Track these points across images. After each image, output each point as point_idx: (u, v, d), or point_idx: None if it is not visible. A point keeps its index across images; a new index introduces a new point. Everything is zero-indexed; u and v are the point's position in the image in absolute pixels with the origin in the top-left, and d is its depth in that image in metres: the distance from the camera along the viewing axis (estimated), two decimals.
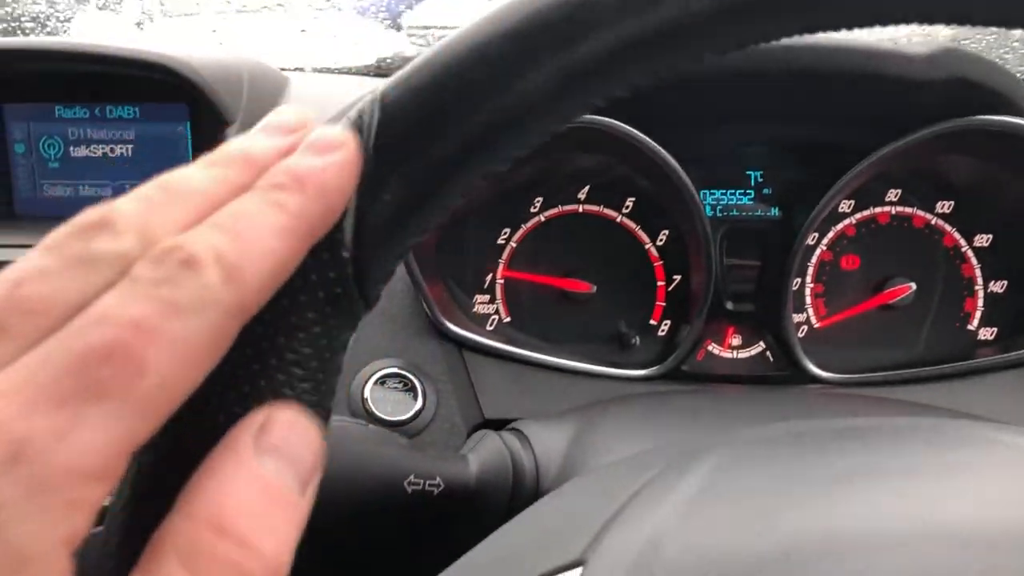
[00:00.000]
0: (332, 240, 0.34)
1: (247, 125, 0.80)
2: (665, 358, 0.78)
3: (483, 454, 0.57)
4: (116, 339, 0.22)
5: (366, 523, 0.53)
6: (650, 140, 0.71)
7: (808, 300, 0.80)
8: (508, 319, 0.81)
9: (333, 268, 0.34)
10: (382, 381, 0.71)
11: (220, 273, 0.25)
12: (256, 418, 0.27)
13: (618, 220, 0.80)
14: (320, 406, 0.35)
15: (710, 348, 0.80)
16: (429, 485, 0.54)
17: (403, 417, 0.69)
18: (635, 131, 0.71)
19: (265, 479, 0.26)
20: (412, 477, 0.53)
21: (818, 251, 0.80)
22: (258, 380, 0.29)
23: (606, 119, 0.70)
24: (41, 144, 0.88)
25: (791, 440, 0.45)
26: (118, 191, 0.87)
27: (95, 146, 0.88)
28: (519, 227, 0.80)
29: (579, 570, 0.35)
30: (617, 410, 0.64)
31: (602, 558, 0.35)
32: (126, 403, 0.22)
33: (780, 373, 0.79)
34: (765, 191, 0.79)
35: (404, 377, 0.72)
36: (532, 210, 0.80)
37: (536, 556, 0.37)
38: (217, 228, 0.26)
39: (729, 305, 0.78)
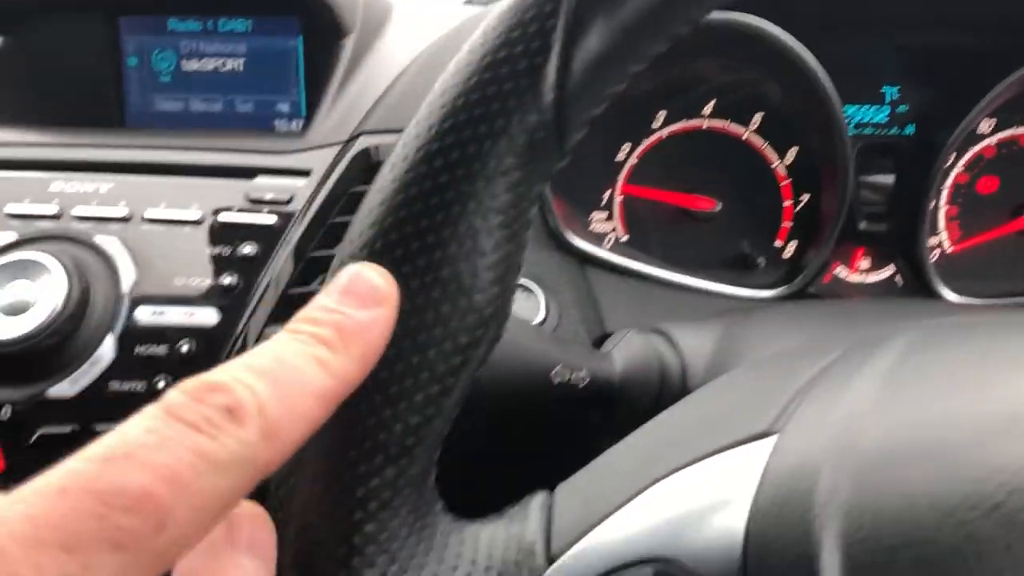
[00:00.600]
0: (535, 83, 0.33)
1: (363, 40, 0.79)
2: (790, 280, 0.75)
3: (628, 352, 0.56)
4: (145, 489, 0.22)
5: (511, 412, 0.52)
6: (799, 43, 0.68)
7: (942, 223, 0.77)
8: (626, 237, 0.78)
9: (536, 112, 0.33)
10: None
11: (260, 430, 0.24)
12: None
13: (744, 137, 0.77)
14: (516, 256, 0.34)
15: (837, 271, 0.77)
16: (575, 378, 0.52)
17: None
18: (784, 33, 0.68)
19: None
20: (559, 368, 0.52)
21: (954, 172, 0.76)
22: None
23: (752, 17, 0.67)
24: (154, 57, 0.88)
25: (980, 327, 0.42)
26: (228, 106, 0.87)
27: (207, 60, 0.88)
28: (640, 142, 0.77)
29: (773, 438, 0.33)
30: (762, 315, 0.61)
31: (798, 429, 0.33)
32: (140, 556, 0.21)
33: (910, 298, 0.76)
34: (901, 108, 0.76)
35: (526, 288, 0.70)
36: (654, 125, 0.77)
37: (725, 425, 0.35)
38: (259, 374, 0.26)
39: (862, 225, 0.75)
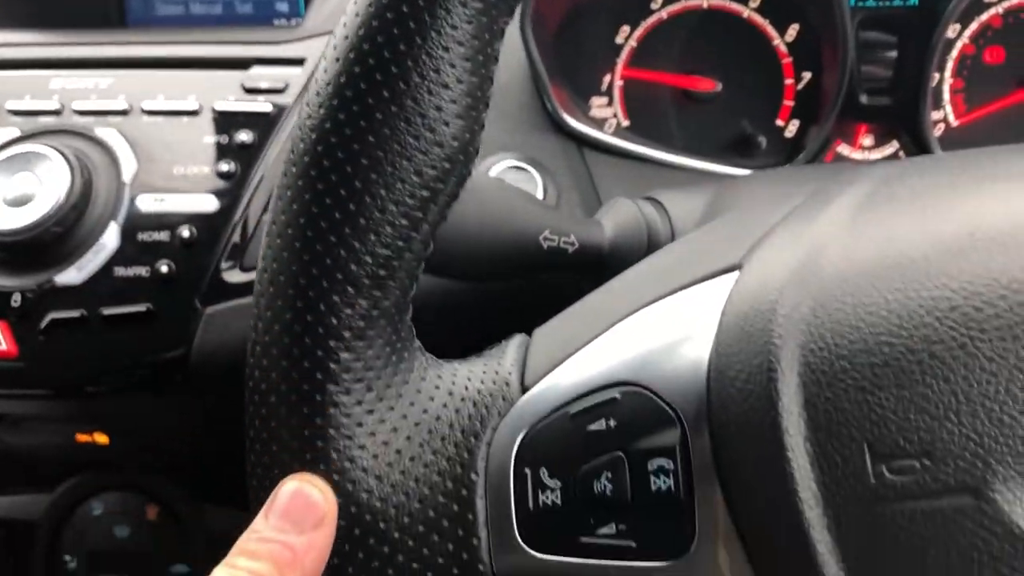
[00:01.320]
0: None
1: None
2: (792, 159, 0.75)
3: (617, 219, 0.56)
4: None
5: (500, 275, 0.52)
6: None
7: (947, 96, 0.76)
8: (627, 123, 0.78)
9: None
10: (501, 176, 0.70)
11: None
12: (272, 494, 0.34)
13: (745, 15, 0.76)
14: (483, 89, 0.34)
15: (839, 149, 0.76)
16: (564, 243, 0.53)
17: None
18: None
19: (265, 535, 0.32)
20: (547, 232, 0.52)
21: (959, 44, 0.75)
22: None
23: None
24: None
25: (952, 159, 0.42)
26: (227, 7, 0.87)
27: None
28: (639, 24, 0.76)
29: (735, 274, 0.34)
30: (753, 178, 0.61)
31: (761, 262, 0.34)
32: None
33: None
34: None
35: (523, 170, 0.70)
36: (652, 6, 0.76)
37: (694, 264, 0.36)
38: None
39: (864, 98, 0.74)
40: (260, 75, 0.69)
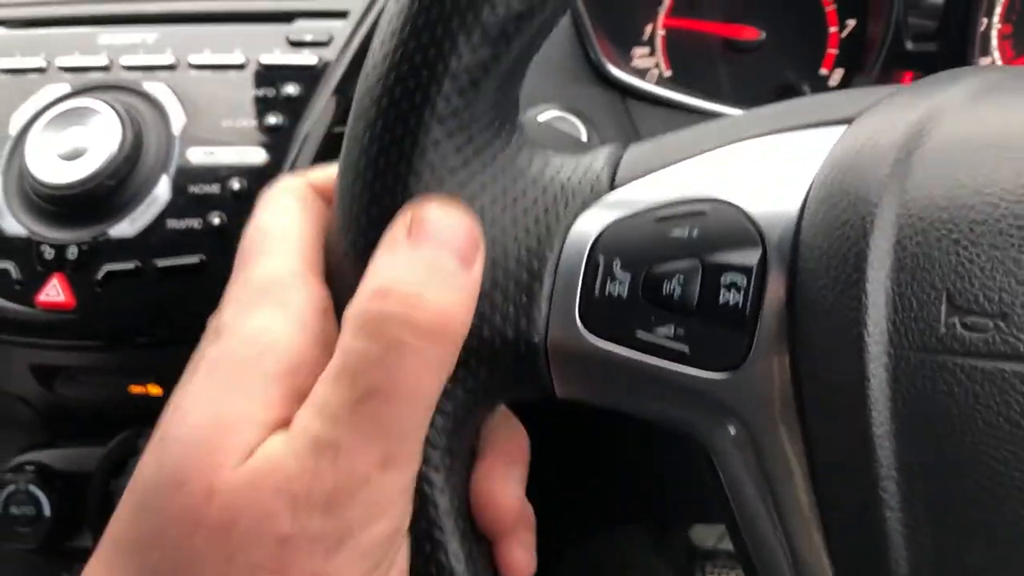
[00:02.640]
0: None
1: None
2: None
3: None
4: None
5: None
6: None
7: (995, 42, 0.75)
8: (669, 73, 0.78)
9: None
10: (544, 126, 0.70)
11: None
12: (405, 215, 0.32)
13: None
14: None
15: None
16: None
17: None
18: None
19: (423, 260, 0.30)
20: None
21: None
22: None
23: None
24: None
25: None
26: None
27: None
28: None
29: (843, 127, 0.34)
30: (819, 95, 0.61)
31: (875, 116, 0.33)
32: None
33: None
34: None
35: (567, 121, 0.70)
36: None
37: (804, 114, 0.36)
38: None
39: (910, 45, 0.73)
40: (304, 28, 0.69)
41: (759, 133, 0.35)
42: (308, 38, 0.69)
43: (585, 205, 0.35)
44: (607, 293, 0.34)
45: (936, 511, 0.28)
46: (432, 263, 0.31)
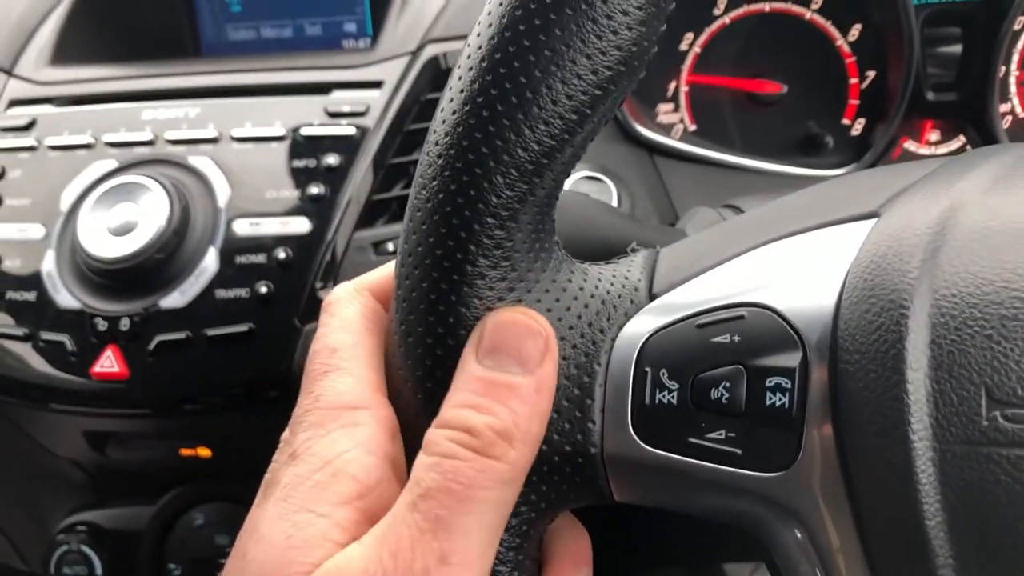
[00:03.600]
0: None
1: None
2: (859, 157, 0.76)
3: (699, 226, 0.58)
4: None
5: None
6: None
7: (1013, 88, 0.76)
8: (693, 128, 0.80)
9: None
10: (576, 185, 0.72)
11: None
12: (475, 331, 0.34)
13: (807, 17, 0.77)
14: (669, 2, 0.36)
15: (906, 145, 0.77)
16: None
17: None
18: None
19: (485, 376, 0.33)
20: (635, 244, 0.54)
21: None
22: None
23: None
24: None
25: None
26: (298, 30, 0.90)
27: None
28: (703, 31, 0.78)
29: (872, 221, 0.35)
30: (835, 180, 0.63)
31: (901, 211, 0.35)
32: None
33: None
34: None
35: (598, 180, 0.72)
36: (716, 12, 0.78)
37: (832, 208, 0.37)
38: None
39: (930, 95, 0.75)
40: (342, 99, 0.72)
41: (788, 233, 0.37)
42: (345, 108, 0.71)
43: (627, 316, 0.37)
44: (657, 402, 0.35)
45: None
46: (496, 379, 0.33)
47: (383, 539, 0.31)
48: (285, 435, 0.35)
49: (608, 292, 0.37)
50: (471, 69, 0.34)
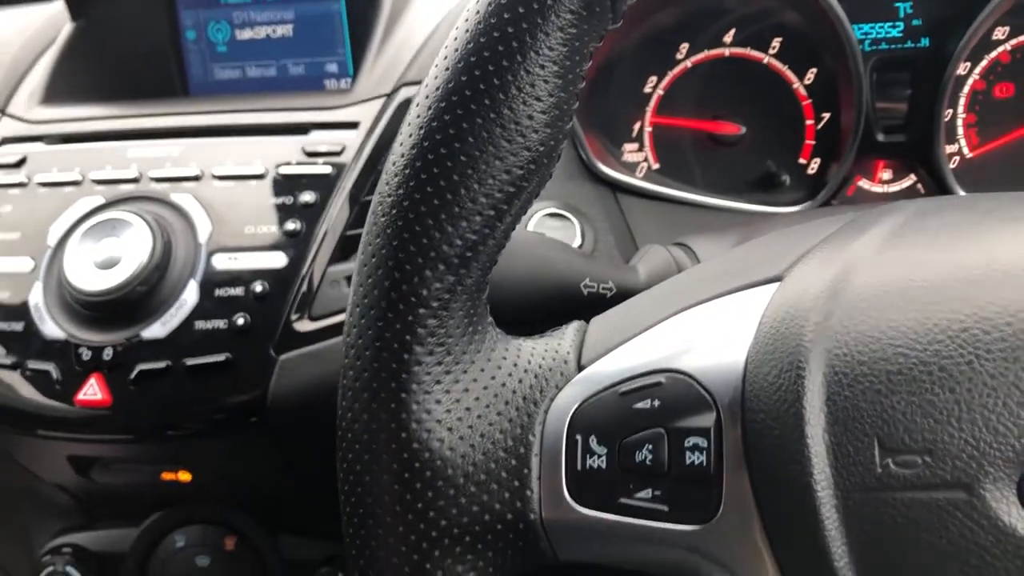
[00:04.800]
0: None
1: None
2: (815, 195, 0.80)
3: (650, 264, 0.61)
4: None
5: (545, 321, 0.58)
6: None
7: (960, 131, 0.80)
8: (657, 166, 0.83)
9: None
10: (541, 222, 0.75)
11: None
12: None
13: (765, 61, 0.81)
14: (569, 104, 0.39)
15: (860, 183, 0.81)
16: (603, 288, 0.58)
17: None
18: None
19: None
20: (587, 280, 0.57)
21: (970, 80, 0.79)
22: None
23: None
24: (210, 29, 0.95)
25: (981, 200, 0.46)
26: (281, 70, 0.93)
27: (259, 28, 0.94)
28: (666, 74, 0.82)
29: (775, 285, 0.38)
30: (780, 220, 0.66)
31: (799, 276, 0.38)
32: None
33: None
34: (915, 22, 0.78)
35: (562, 217, 0.76)
36: (678, 56, 0.81)
37: (740, 274, 0.40)
38: None
39: (880, 137, 0.79)
40: (319, 139, 0.75)
41: (702, 299, 0.40)
42: (323, 148, 0.75)
43: (558, 388, 0.40)
44: (588, 467, 0.38)
45: None
46: None
47: None
48: None
49: (540, 366, 0.41)
50: (396, 175, 0.38)
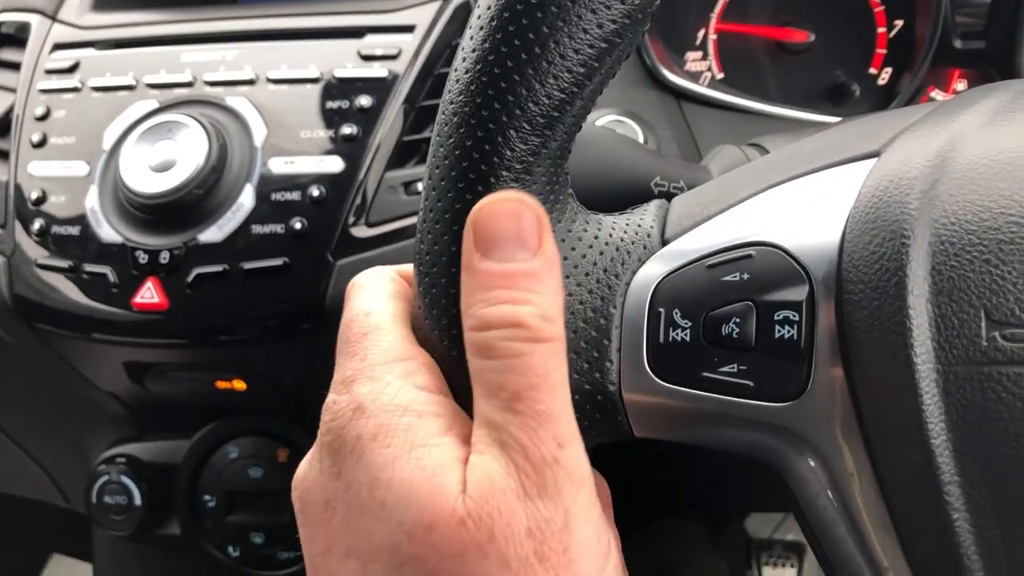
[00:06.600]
0: None
1: None
2: (886, 106, 0.77)
3: (723, 164, 0.59)
4: None
5: None
6: None
7: None
8: (721, 75, 0.81)
9: None
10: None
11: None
12: (466, 233, 0.34)
13: None
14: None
15: (932, 95, 0.78)
16: (674, 188, 0.56)
17: None
18: None
19: (502, 270, 0.34)
20: (658, 178, 0.55)
21: None
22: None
23: None
24: None
25: None
26: None
27: None
28: None
29: (874, 160, 0.36)
30: (856, 120, 0.64)
31: (901, 149, 0.36)
32: None
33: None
34: None
35: (625, 124, 0.73)
36: None
37: (835, 150, 0.38)
38: None
39: (958, 44, 0.76)
40: (375, 43, 0.73)
41: (793, 176, 0.38)
42: (378, 52, 0.73)
43: (641, 261, 0.38)
44: (671, 339, 0.37)
45: (1001, 510, 0.30)
46: (513, 271, 0.34)
47: (502, 444, 0.33)
48: (333, 397, 0.36)
49: (622, 239, 0.39)
50: (482, 28, 0.36)
